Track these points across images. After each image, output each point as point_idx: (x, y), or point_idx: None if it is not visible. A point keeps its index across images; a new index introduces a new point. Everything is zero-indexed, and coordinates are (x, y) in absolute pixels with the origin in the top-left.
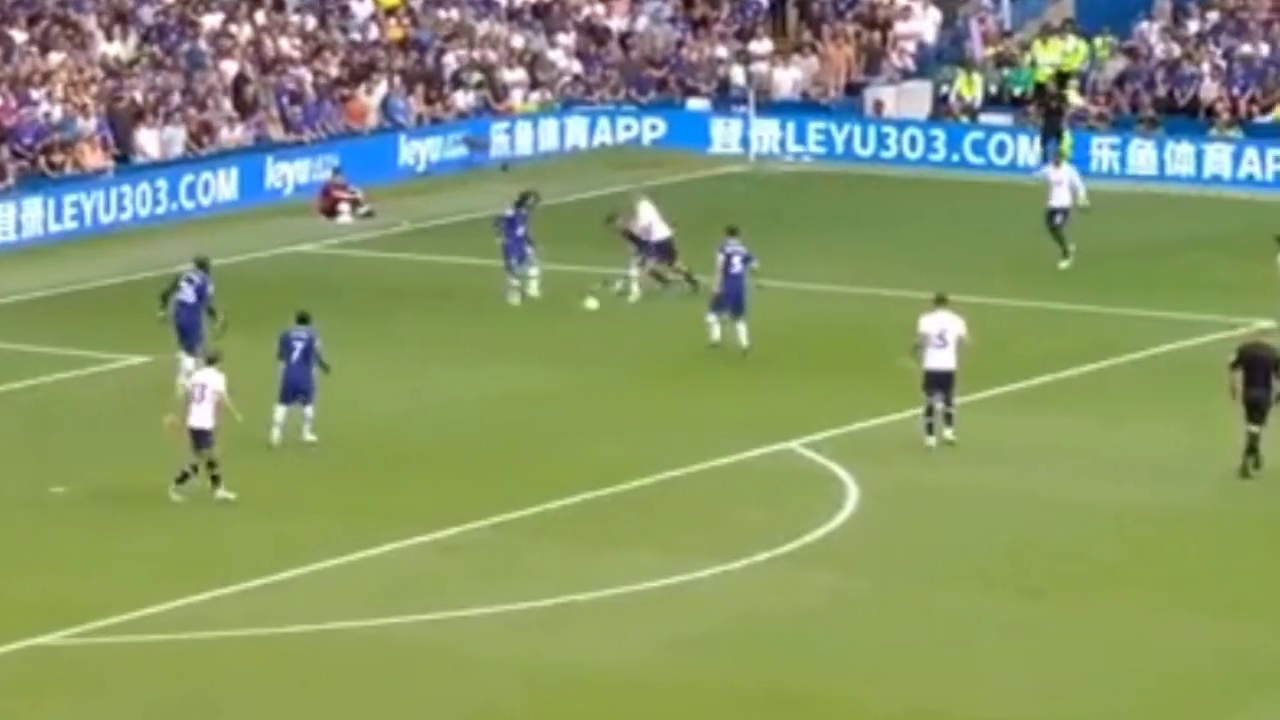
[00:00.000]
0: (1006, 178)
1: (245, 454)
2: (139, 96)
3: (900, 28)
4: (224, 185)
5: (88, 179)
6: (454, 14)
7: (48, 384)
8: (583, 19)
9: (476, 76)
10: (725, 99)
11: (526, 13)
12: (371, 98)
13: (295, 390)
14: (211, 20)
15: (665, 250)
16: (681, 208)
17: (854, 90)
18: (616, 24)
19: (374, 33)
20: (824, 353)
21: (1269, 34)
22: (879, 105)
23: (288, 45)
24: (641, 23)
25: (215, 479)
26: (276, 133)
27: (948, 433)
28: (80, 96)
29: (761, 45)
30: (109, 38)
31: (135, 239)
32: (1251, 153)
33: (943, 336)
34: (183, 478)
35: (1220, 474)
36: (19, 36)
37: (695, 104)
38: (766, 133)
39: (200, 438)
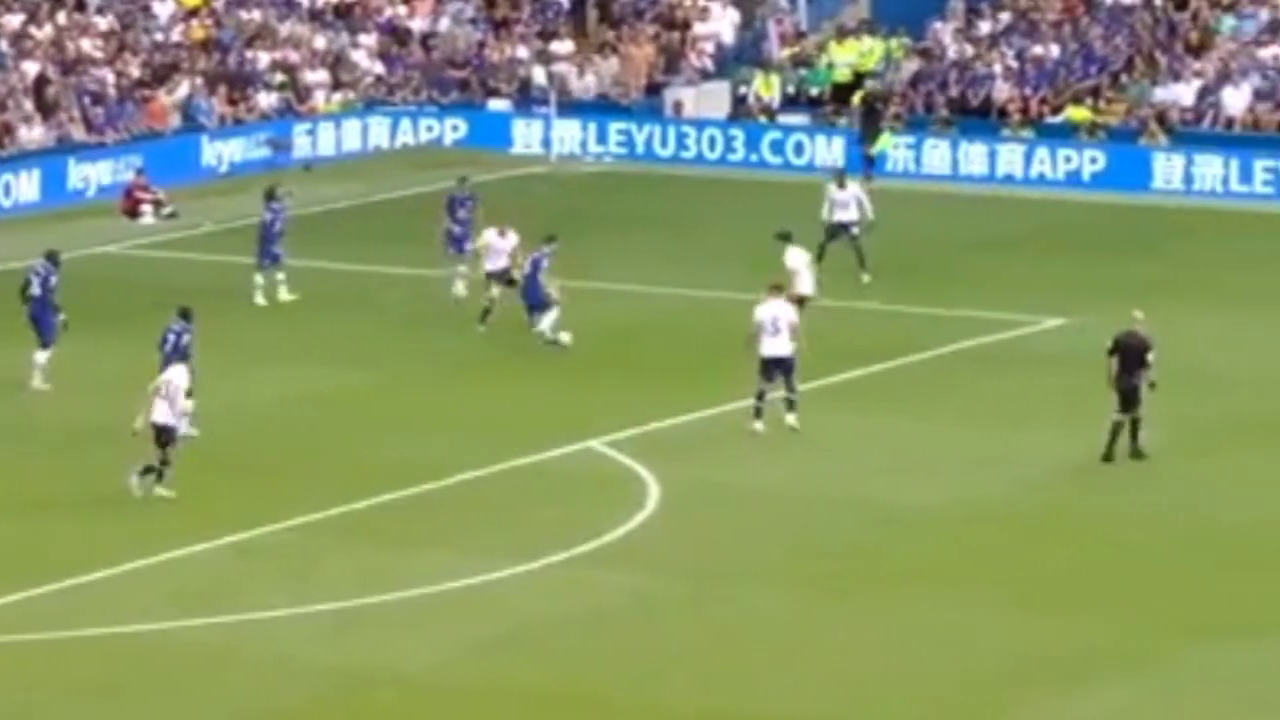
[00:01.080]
0: (805, 177)
1: (52, 451)
2: None
3: (699, 29)
4: (25, 186)
5: None
6: (256, 15)
7: None
8: (384, 20)
9: (279, 77)
10: (526, 100)
11: (329, 14)
12: (173, 98)
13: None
14: (12, 21)
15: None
16: (483, 208)
17: (654, 91)
18: (418, 25)
19: (176, 33)
20: (625, 352)
21: (1059, 35)
22: (679, 106)
23: (89, 45)
24: (443, 24)
25: (161, 474)
26: (78, 133)
27: (790, 418)
28: None
29: (562, 46)
30: None
31: None
32: (1043, 152)
33: (775, 324)
34: (146, 470)
35: (1016, 470)
36: None
37: (497, 105)
38: (567, 133)
39: (163, 433)
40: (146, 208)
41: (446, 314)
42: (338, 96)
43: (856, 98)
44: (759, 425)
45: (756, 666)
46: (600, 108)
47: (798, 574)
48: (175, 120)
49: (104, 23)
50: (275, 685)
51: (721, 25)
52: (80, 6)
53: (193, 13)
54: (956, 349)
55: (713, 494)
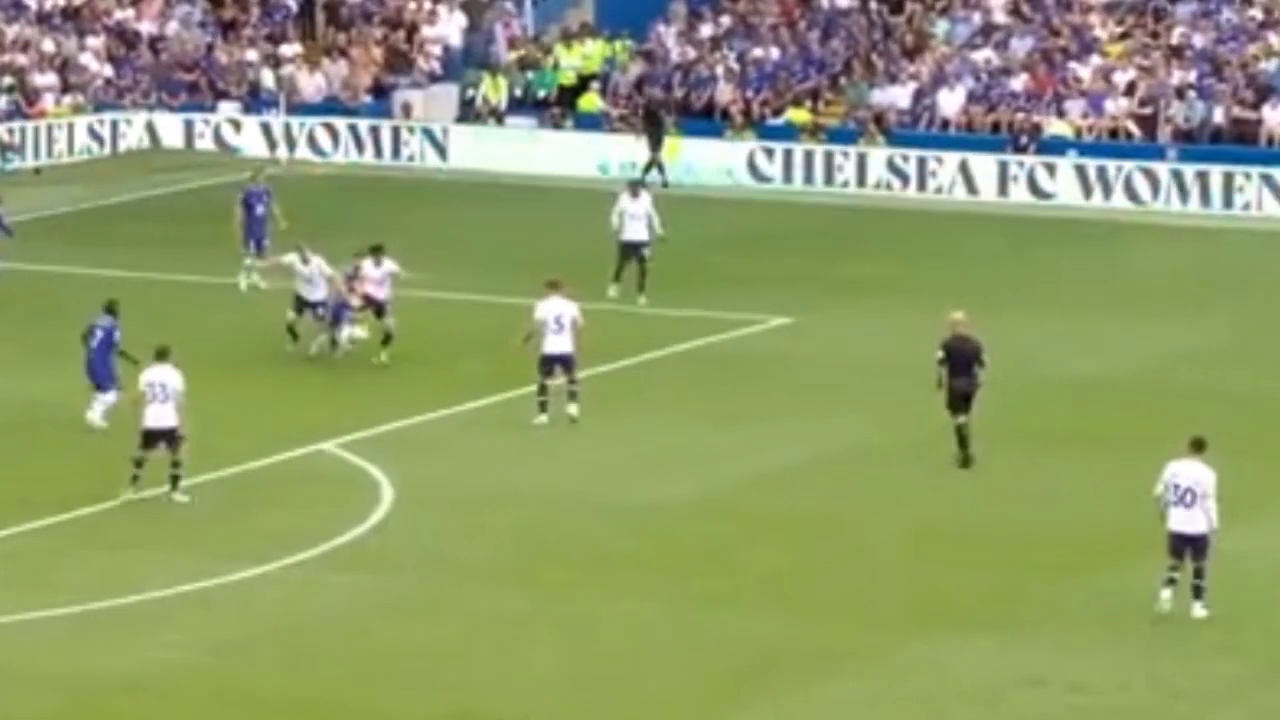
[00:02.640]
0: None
1: None
2: None
3: (427, 31)
4: None
5: None
6: None
7: None
8: (113, 22)
9: (7, 80)
10: (256, 102)
11: (56, 16)
12: None
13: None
14: None
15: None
16: (211, 208)
17: (383, 93)
18: (147, 28)
19: None
20: (358, 354)
21: (779, 38)
22: (407, 108)
23: None
24: (171, 27)
25: (176, 480)
26: None
27: (572, 409)
28: None
29: (291, 48)
30: None
31: None
32: (762, 154)
33: (559, 321)
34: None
35: (748, 467)
36: None
37: (226, 107)
38: (296, 135)
39: (159, 438)
40: None
41: (181, 318)
42: (67, 100)
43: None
44: (543, 418)
45: (492, 667)
46: (328, 109)
47: (529, 575)
48: None
49: None
50: (8, 694)
51: (449, 28)
52: None
53: None
54: (688, 348)
55: (446, 495)
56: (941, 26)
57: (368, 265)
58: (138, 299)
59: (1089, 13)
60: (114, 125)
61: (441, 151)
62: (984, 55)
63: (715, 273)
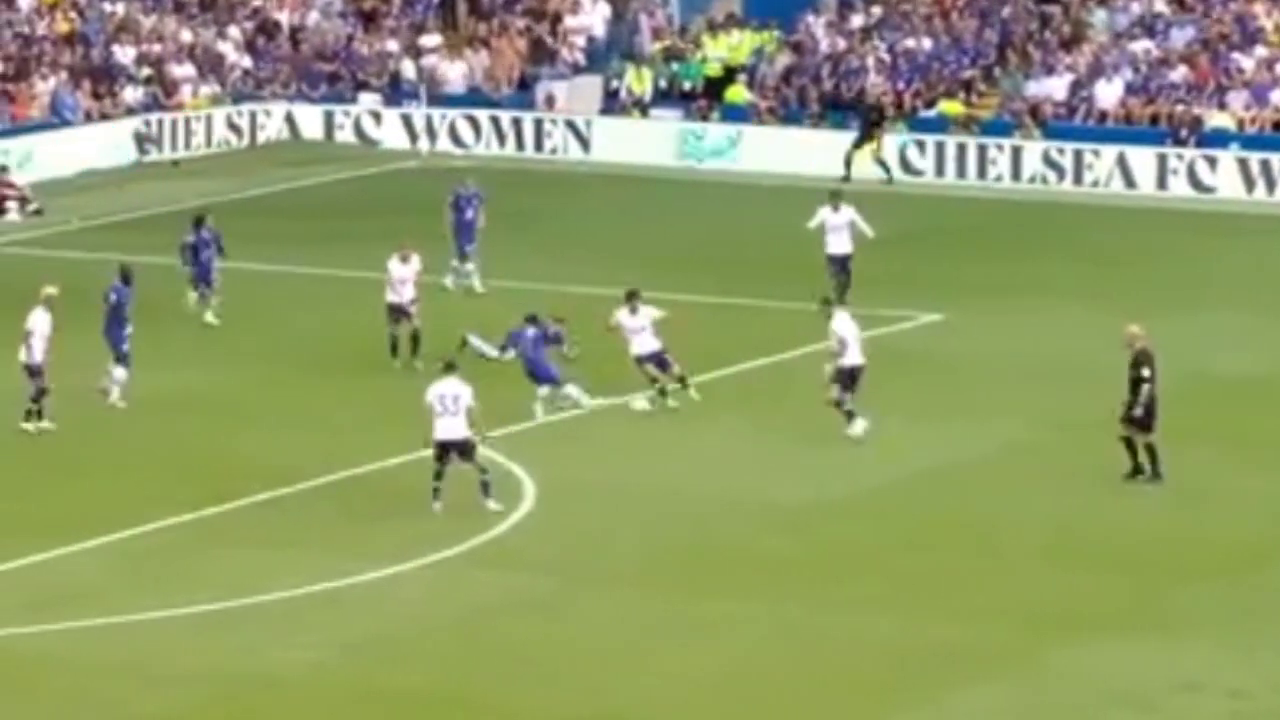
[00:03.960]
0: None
1: None
2: None
3: (570, 22)
4: None
5: None
6: (120, 8)
7: None
8: (251, 12)
9: (145, 72)
10: (396, 93)
11: (194, 6)
12: (38, 93)
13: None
14: None
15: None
16: (350, 202)
17: (526, 85)
18: (286, 18)
19: (40, 27)
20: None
21: (931, 28)
22: (550, 99)
23: None
24: (312, 17)
25: (485, 485)
26: None
27: (639, 403)
28: None
29: (432, 39)
30: None
31: None
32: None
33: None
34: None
35: (898, 465)
36: None
37: (366, 98)
38: (440, 127)
39: (452, 449)
40: (11, 204)
41: (315, 311)
42: (205, 91)
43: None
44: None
45: (627, 670)
46: (470, 101)
47: (672, 575)
48: (40, 115)
49: None
50: (140, 691)
51: (593, 19)
52: None
53: (54, 6)
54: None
55: (590, 493)
56: (1099, 16)
57: (394, 264)
58: (271, 294)
59: (1252, 2)
60: (252, 117)
61: (584, 144)
62: (1143, 46)
63: (865, 267)
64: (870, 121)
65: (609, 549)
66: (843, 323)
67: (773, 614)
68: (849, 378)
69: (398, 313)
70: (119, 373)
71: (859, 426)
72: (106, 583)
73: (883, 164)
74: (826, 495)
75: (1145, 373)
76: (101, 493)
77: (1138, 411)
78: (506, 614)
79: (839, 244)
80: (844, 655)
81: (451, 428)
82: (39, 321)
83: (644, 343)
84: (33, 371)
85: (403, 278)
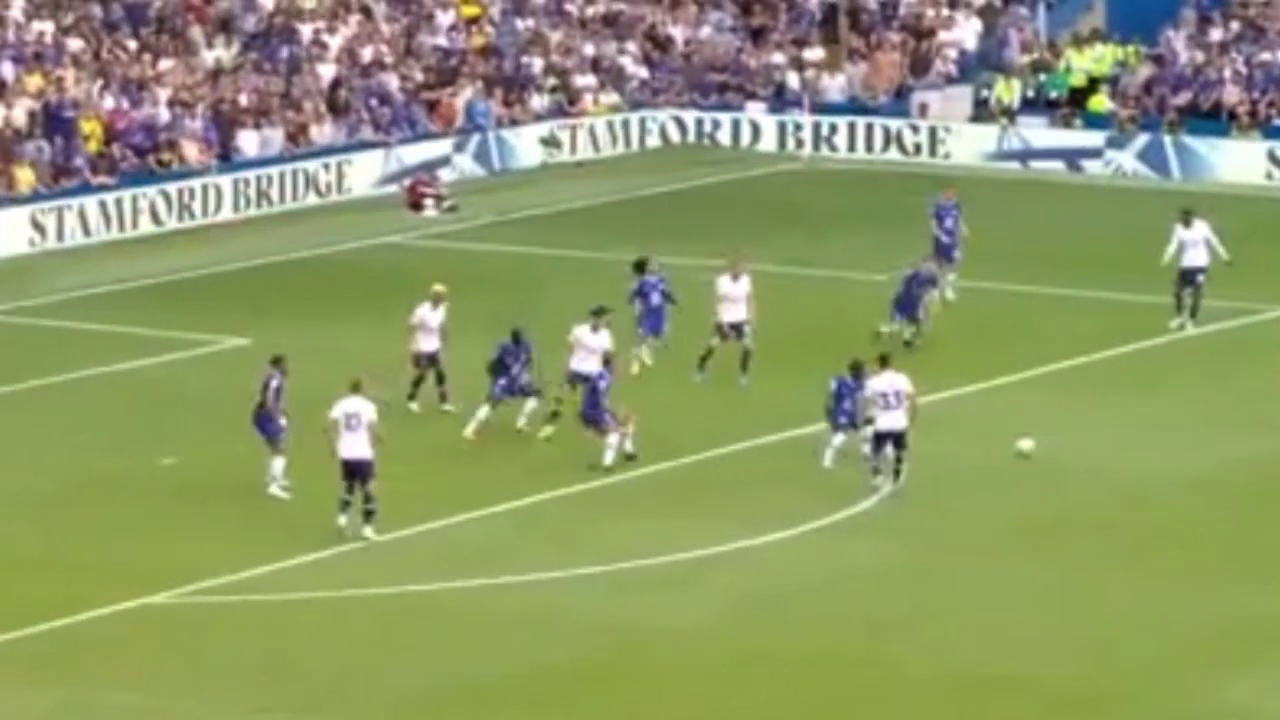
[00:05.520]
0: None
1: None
2: (242, 99)
3: (944, 36)
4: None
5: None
6: (530, 23)
7: (153, 365)
8: (649, 28)
9: (552, 81)
10: (780, 102)
11: (597, 22)
12: (457, 100)
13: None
14: (305, 29)
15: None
16: (739, 202)
17: (901, 94)
18: (680, 33)
19: (459, 41)
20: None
21: None
22: (924, 108)
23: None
24: (704, 32)
25: (369, 513)
26: (366, 132)
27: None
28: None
29: (814, 52)
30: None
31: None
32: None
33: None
34: (345, 505)
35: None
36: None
37: (753, 107)
38: (819, 133)
39: (359, 468)
40: (428, 201)
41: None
42: (605, 99)
43: None
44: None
45: (994, 633)
46: (850, 109)
47: (1035, 545)
48: (459, 121)
49: (389, 30)
50: (544, 643)
51: (965, 33)
52: (367, 14)
53: (472, 21)
54: (1202, 333)
55: (958, 468)
56: None
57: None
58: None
59: None
60: (642, 123)
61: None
62: None
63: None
64: None
65: (975, 520)
66: (886, 380)
67: (1133, 586)
68: (878, 439)
69: (726, 330)
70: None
71: (877, 480)
72: (513, 544)
73: None
74: (1177, 472)
75: None
76: (507, 466)
77: None
78: (883, 579)
79: (1194, 258)
80: (1191, 625)
81: (354, 445)
82: (426, 315)
83: (583, 361)
84: (430, 359)
85: (734, 296)
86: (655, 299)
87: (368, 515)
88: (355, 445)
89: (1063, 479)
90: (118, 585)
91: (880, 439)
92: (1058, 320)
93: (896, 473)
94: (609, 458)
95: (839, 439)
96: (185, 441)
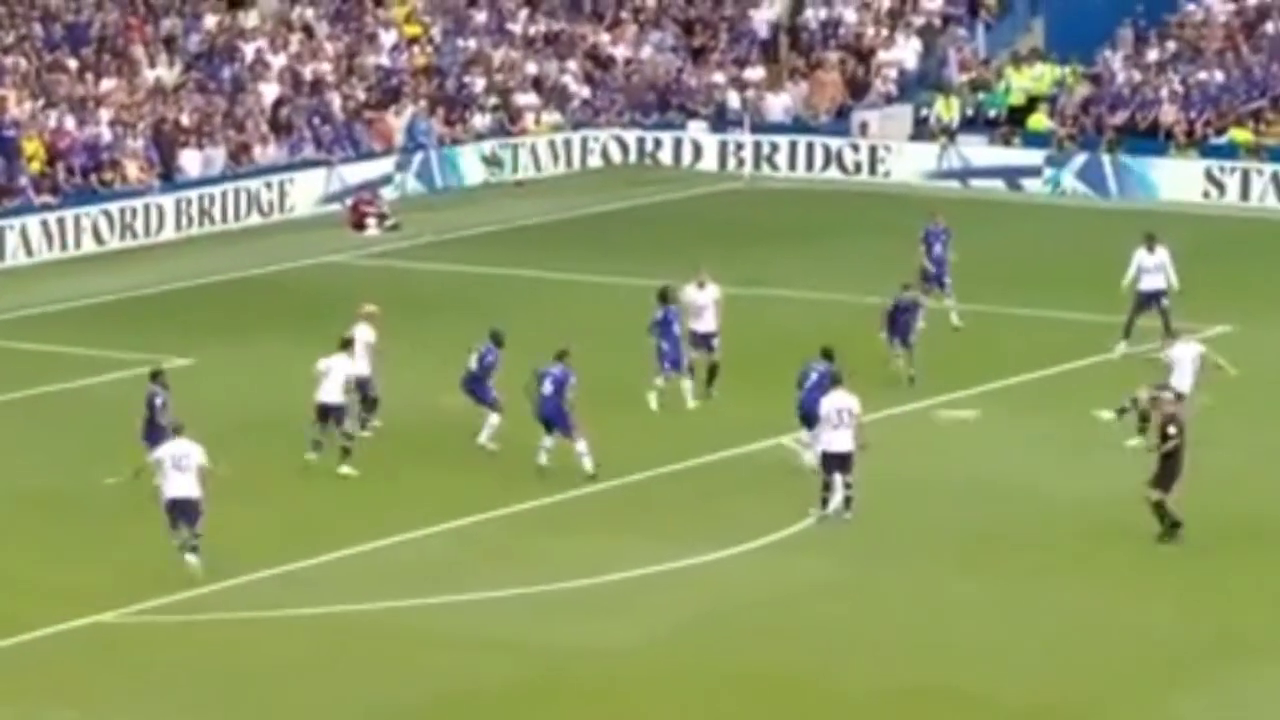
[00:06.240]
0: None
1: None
2: (185, 118)
3: (883, 56)
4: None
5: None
6: (472, 43)
7: (97, 384)
8: (590, 47)
9: (494, 100)
10: (722, 121)
11: (539, 41)
12: (399, 119)
13: (547, 421)
14: (248, 49)
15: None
16: (681, 221)
17: (842, 114)
18: (621, 52)
19: (400, 60)
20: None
21: (1223, 62)
22: (864, 126)
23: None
24: (645, 51)
25: (194, 548)
26: (309, 151)
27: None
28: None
29: (755, 72)
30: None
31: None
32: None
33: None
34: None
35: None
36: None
37: (694, 126)
38: (760, 152)
39: (186, 508)
40: (371, 220)
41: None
42: (547, 118)
43: None
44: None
45: (940, 647)
46: (791, 128)
47: (976, 560)
48: (399, 139)
49: (332, 49)
50: (478, 665)
51: (905, 53)
52: (310, 34)
53: (414, 41)
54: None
55: (893, 486)
56: None
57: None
58: (601, 302)
59: None
60: (584, 142)
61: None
62: None
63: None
64: None
65: (920, 536)
66: (837, 398)
67: (1071, 598)
68: (826, 460)
69: (697, 340)
70: (493, 419)
71: (832, 506)
72: (452, 563)
73: None
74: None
75: None
76: (449, 484)
77: None
78: (820, 596)
79: (1154, 281)
80: (1138, 639)
81: (182, 485)
82: (362, 333)
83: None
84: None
85: (702, 303)
86: (678, 329)
87: (194, 549)
88: (183, 485)
89: (1005, 495)
90: (65, 605)
91: (828, 461)
92: (999, 338)
93: (847, 500)
94: (588, 465)
95: (805, 434)
96: (129, 461)
